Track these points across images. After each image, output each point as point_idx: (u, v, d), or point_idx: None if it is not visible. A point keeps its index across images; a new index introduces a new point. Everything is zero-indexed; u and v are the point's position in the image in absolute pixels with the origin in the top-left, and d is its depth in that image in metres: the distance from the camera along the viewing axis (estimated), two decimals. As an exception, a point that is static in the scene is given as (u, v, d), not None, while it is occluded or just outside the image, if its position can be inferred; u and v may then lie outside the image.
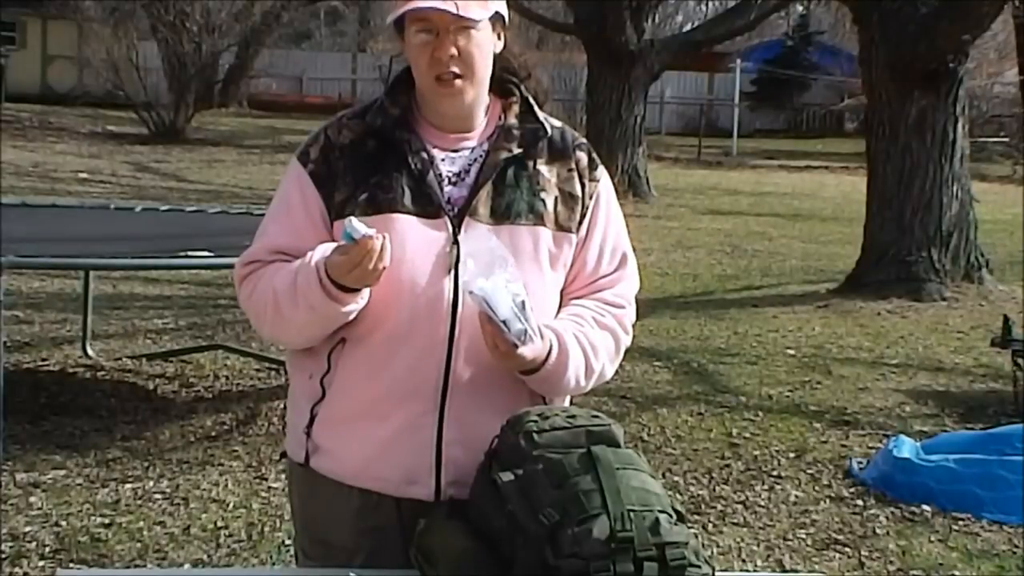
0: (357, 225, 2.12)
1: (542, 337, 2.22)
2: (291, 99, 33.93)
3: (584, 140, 2.44)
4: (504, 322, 2.14)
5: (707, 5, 39.73)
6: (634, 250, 2.47)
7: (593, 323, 2.35)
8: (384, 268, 2.15)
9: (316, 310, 2.21)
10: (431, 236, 2.25)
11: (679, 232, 14.97)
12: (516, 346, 2.17)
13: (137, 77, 24.19)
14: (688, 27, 30.71)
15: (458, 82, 2.25)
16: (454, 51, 2.22)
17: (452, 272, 2.24)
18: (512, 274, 2.17)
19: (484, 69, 2.28)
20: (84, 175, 18.01)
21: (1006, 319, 7.20)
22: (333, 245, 2.19)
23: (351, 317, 2.23)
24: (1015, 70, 17.66)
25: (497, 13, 2.28)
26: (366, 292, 2.21)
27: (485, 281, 2.14)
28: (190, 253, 5.92)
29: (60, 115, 27.25)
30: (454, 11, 2.19)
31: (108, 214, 8.36)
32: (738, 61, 32.69)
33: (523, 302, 2.16)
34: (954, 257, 10.59)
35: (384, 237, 2.13)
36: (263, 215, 2.41)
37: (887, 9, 10.53)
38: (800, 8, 36.82)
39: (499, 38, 2.31)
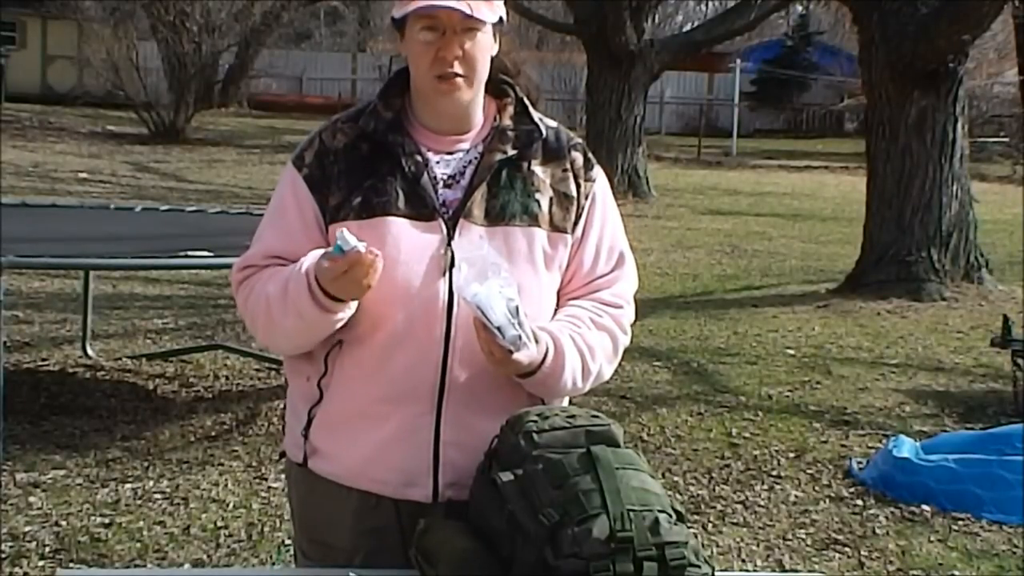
0: (348, 237, 2.11)
1: (537, 341, 2.22)
2: (291, 99, 33.95)
3: (579, 140, 2.43)
4: (498, 328, 2.14)
5: (707, 5, 39.78)
6: (634, 250, 2.47)
7: (590, 324, 2.34)
8: (369, 286, 2.15)
9: (304, 318, 2.21)
10: (426, 239, 2.24)
11: (679, 232, 14.97)
12: (511, 352, 2.17)
13: (137, 77, 24.20)
14: (688, 27, 30.72)
15: (459, 81, 2.24)
16: (459, 52, 2.22)
17: (447, 274, 2.23)
18: (505, 280, 2.17)
19: (484, 71, 2.28)
20: (84, 175, 18.02)
21: (1006, 319, 7.20)
22: (322, 255, 2.19)
23: (338, 326, 2.23)
24: (1015, 70, 17.64)
25: (500, 18, 2.28)
26: (354, 302, 2.21)
27: (479, 287, 2.14)
28: (190, 253, 5.92)
29: (60, 115, 27.26)
30: (467, 11, 2.18)
31: (108, 214, 8.37)
32: (738, 61, 32.73)
33: (517, 307, 2.15)
34: (954, 257, 10.59)
35: (376, 254, 2.13)
36: (262, 215, 2.42)
37: (887, 9, 10.54)
38: (800, 8, 36.84)
39: (496, 40, 2.31)
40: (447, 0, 2.18)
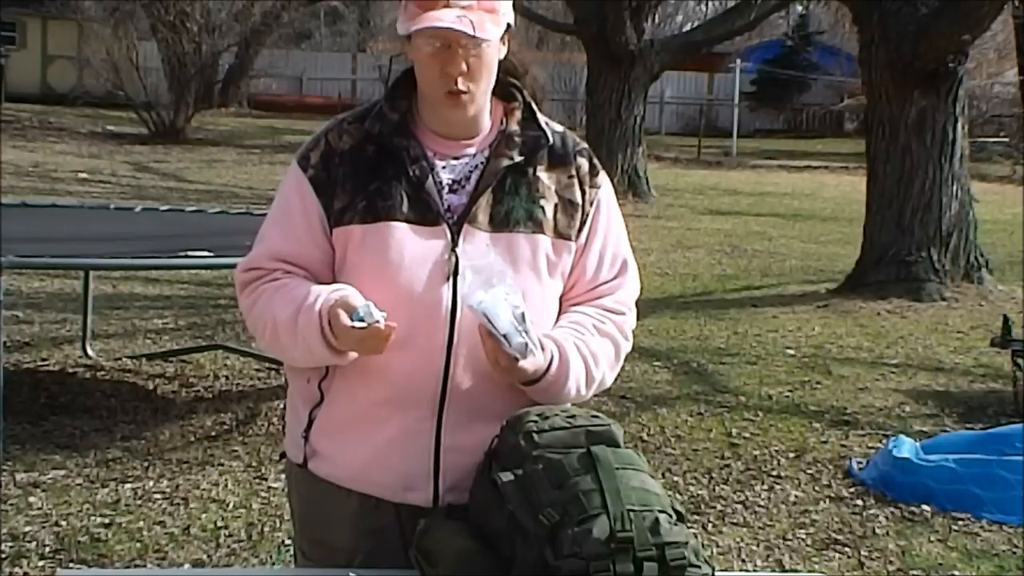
0: (372, 311, 2.13)
1: (542, 349, 2.22)
2: (291, 99, 33.93)
3: (585, 146, 2.42)
4: (505, 336, 2.13)
5: (707, 5, 39.74)
6: (634, 250, 2.47)
7: (593, 331, 2.34)
8: (382, 351, 2.16)
9: (314, 352, 2.22)
10: (430, 244, 2.24)
11: (679, 232, 14.97)
12: (517, 360, 2.16)
13: (137, 77, 24.18)
14: (688, 27, 30.71)
15: (464, 96, 2.24)
16: (464, 68, 2.21)
17: (450, 280, 2.23)
18: (510, 287, 2.16)
19: (490, 82, 2.28)
20: (84, 175, 18.01)
21: (1006, 319, 7.20)
22: (337, 292, 2.18)
23: (349, 361, 2.24)
24: (1015, 70, 17.66)
25: (508, 24, 2.27)
26: None
27: (484, 294, 2.14)
28: (190, 253, 5.91)
29: (60, 115, 27.25)
30: (471, 32, 2.17)
31: (108, 214, 8.37)
32: (738, 61, 32.71)
33: (522, 314, 2.15)
34: (954, 257, 10.59)
35: (393, 327, 2.13)
36: (263, 215, 2.41)
37: (887, 9, 10.53)
38: (800, 8, 36.83)
39: (504, 44, 2.30)
40: (450, 22, 2.17)
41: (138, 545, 4.52)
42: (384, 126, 2.30)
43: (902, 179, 10.55)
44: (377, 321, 2.13)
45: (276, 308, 2.25)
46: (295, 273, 2.29)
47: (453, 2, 2.18)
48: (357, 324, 2.13)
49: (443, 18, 2.17)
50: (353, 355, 2.22)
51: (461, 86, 2.22)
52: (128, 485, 5.10)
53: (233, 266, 2.41)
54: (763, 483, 5.55)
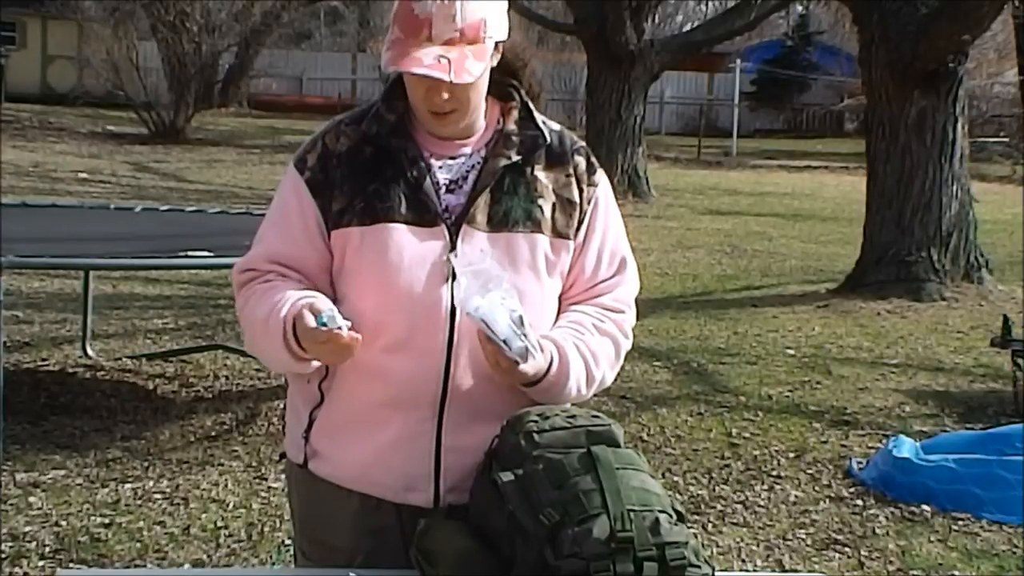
0: (336, 317, 2.12)
1: (542, 350, 2.21)
2: (291, 99, 33.93)
3: (583, 144, 2.41)
4: (504, 341, 2.13)
5: (707, 5, 39.73)
6: (634, 250, 2.46)
7: (593, 330, 2.33)
8: (343, 360, 2.16)
9: (281, 359, 2.22)
10: (428, 245, 2.23)
11: (679, 232, 14.97)
12: (517, 363, 2.16)
13: (137, 77, 24.19)
14: (688, 27, 30.70)
15: (452, 115, 2.24)
16: (446, 95, 2.20)
17: (450, 280, 2.22)
18: (507, 291, 2.16)
19: (480, 94, 2.26)
20: (84, 175, 18.02)
21: (1006, 319, 7.20)
22: (306, 298, 2.18)
23: (312, 369, 2.24)
24: (1015, 70, 17.66)
25: (496, 42, 2.23)
26: None
27: (481, 300, 2.13)
28: (190, 253, 5.92)
29: (60, 115, 27.25)
30: (447, 78, 2.14)
31: (108, 214, 8.37)
32: (738, 61, 32.73)
33: (520, 317, 2.15)
34: (954, 257, 10.59)
35: (356, 338, 2.12)
36: (263, 215, 2.40)
37: (887, 9, 10.53)
38: (800, 8, 36.82)
39: (496, 50, 2.26)
40: (428, 65, 2.14)
41: (138, 545, 4.52)
42: (381, 127, 2.29)
43: (902, 179, 10.56)
44: (339, 327, 2.11)
45: (257, 310, 2.25)
46: (289, 276, 2.28)
47: (436, 34, 2.15)
48: (320, 327, 2.12)
49: (423, 59, 2.14)
50: (316, 364, 2.23)
51: (447, 107, 2.22)
52: (128, 485, 5.11)
53: (233, 266, 2.41)
54: (763, 483, 5.56)
